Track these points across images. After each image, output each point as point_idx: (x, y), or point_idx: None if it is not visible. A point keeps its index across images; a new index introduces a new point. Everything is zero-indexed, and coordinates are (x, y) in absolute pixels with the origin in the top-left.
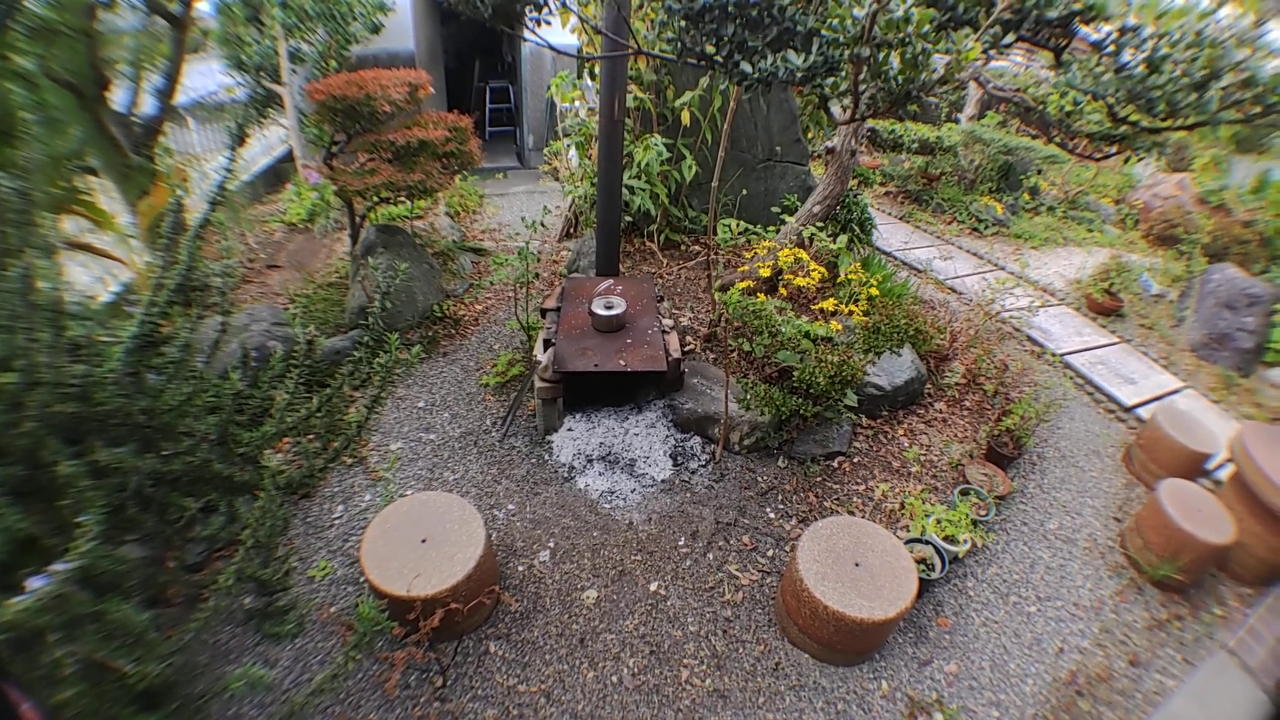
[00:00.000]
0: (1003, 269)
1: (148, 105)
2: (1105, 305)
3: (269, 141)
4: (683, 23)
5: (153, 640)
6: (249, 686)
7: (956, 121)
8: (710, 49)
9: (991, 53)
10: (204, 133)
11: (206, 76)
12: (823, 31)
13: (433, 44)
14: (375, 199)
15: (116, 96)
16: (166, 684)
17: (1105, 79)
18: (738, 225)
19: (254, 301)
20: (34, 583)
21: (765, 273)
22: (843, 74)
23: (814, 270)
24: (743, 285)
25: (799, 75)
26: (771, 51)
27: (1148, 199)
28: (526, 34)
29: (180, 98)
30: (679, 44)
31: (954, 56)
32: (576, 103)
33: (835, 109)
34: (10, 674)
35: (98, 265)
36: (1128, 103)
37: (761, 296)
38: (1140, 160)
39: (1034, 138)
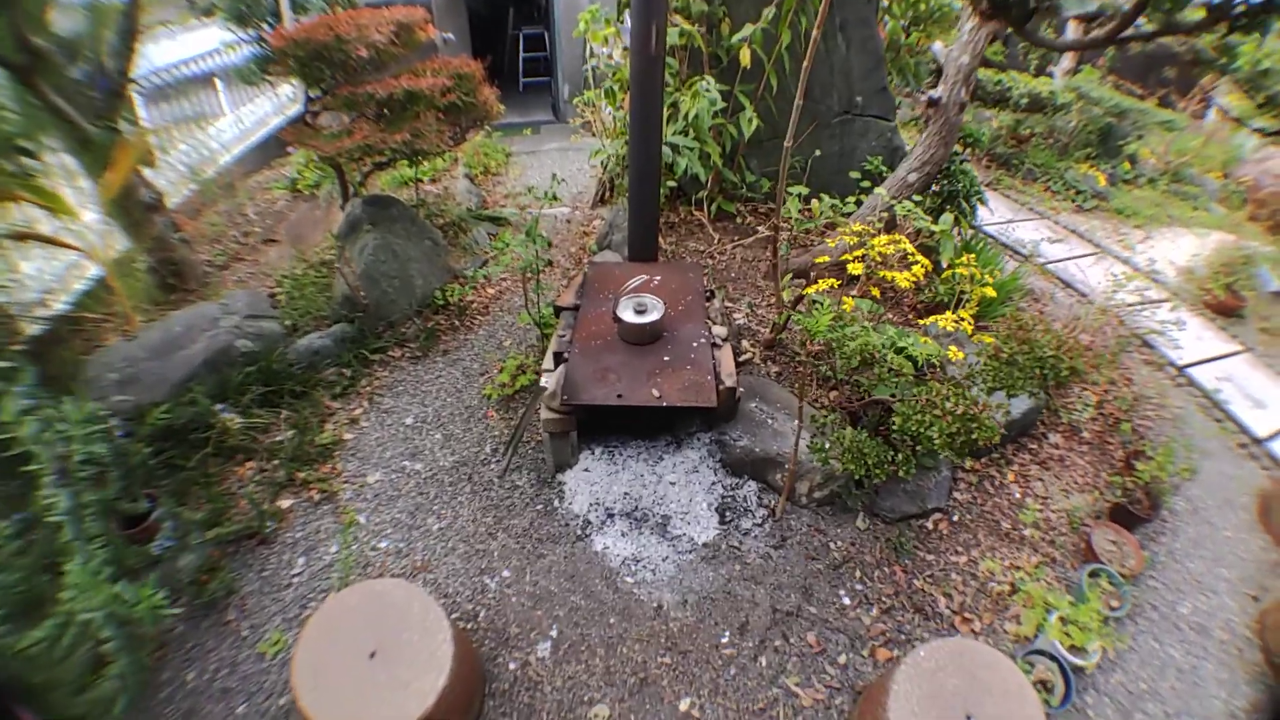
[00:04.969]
0: (1109, 253)
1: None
2: (1227, 304)
3: (280, 101)
4: None
5: None
6: None
7: (1050, 75)
8: None
9: None
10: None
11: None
12: None
13: None
14: (369, 165)
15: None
16: None
17: None
18: (798, 193)
19: (242, 284)
20: None
21: (856, 269)
22: None
23: (917, 264)
24: (824, 285)
25: None
26: None
27: (1257, 175)
28: None
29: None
30: None
31: None
32: (609, 43)
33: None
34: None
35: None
36: None
37: (849, 302)
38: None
39: (1141, 98)
